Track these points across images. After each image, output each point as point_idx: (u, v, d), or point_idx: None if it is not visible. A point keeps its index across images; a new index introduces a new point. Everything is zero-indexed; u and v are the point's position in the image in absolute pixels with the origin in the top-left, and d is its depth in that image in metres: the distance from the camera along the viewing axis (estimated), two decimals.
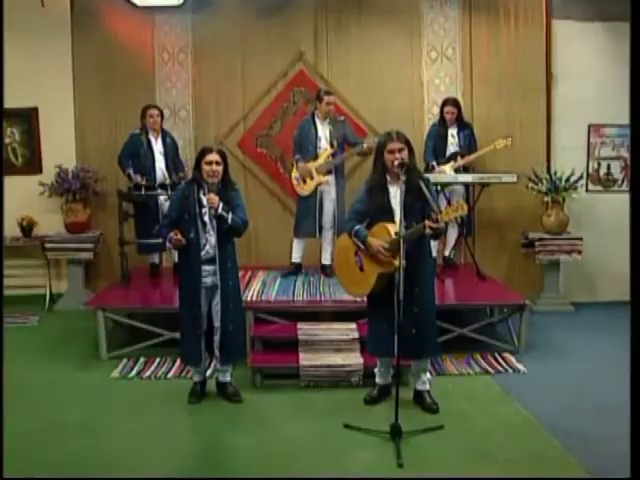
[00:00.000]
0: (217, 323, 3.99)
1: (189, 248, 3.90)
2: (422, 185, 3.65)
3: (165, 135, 5.96)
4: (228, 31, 6.49)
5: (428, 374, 4.09)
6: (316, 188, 5.56)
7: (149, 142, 5.85)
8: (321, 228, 5.63)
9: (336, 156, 5.53)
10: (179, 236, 3.84)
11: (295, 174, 5.62)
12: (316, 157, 5.54)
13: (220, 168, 3.88)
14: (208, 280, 3.95)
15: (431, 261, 4.04)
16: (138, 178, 5.63)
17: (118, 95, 6.53)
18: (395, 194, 3.77)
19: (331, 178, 5.57)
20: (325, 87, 5.80)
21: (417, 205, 3.71)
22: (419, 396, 4.04)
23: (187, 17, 6.51)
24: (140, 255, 6.03)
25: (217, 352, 4.02)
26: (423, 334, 3.88)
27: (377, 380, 4.16)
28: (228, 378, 4.17)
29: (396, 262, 3.63)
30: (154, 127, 5.85)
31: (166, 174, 5.83)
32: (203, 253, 3.92)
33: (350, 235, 3.88)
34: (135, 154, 5.81)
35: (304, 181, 5.58)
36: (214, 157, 3.86)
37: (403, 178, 3.68)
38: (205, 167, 3.85)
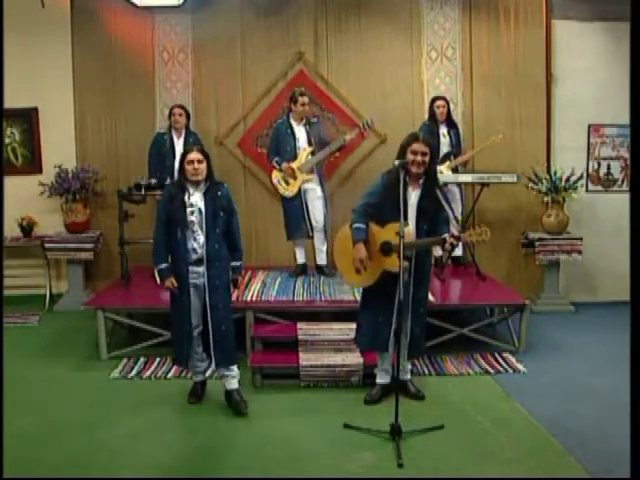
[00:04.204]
0: (209, 324, 3.92)
1: (176, 250, 3.86)
2: (439, 193, 3.76)
3: (189, 134, 5.99)
4: (228, 31, 6.49)
5: (409, 364, 4.18)
6: (299, 188, 5.58)
7: (172, 141, 5.90)
8: (312, 228, 5.65)
9: (316, 154, 5.54)
10: (171, 283, 3.88)
11: (278, 177, 5.63)
12: (295, 158, 5.56)
13: (202, 166, 3.82)
14: (199, 281, 3.90)
15: (430, 263, 4.11)
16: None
17: (118, 95, 6.54)
18: (411, 195, 3.82)
19: (314, 177, 5.60)
20: (299, 89, 5.77)
21: (430, 211, 3.79)
22: (403, 386, 4.08)
23: (187, 17, 6.51)
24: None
25: (212, 354, 3.95)
26: (421, 333, 4.02)
27: (378, 380, 4.17)
28: (235, 385, 4.03)
29: (403, 263, 3.66)
30: (176, 126, 5.91)
31: None
32: (192, 255, 3.86)
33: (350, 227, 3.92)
34: (158, 153, 5.91)
35: (287, 182, 5.60)
36: (195, 156, 3.81)
37: (422, 183, 3.79)
38: (187, 167, 3.82)
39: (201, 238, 3.86)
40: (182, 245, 3.84)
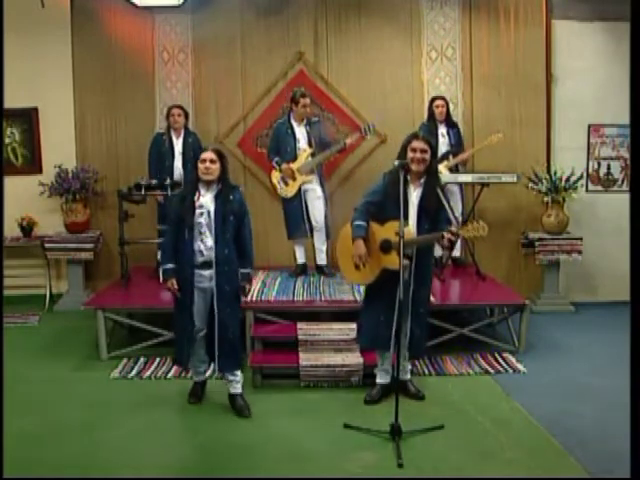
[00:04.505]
0: (215, 329, 3.84)
1: (182, 251, 3.79)
2: (440, 193, 3.77)
3: (188, 134, 6.01)
4: (228, 31, 6.49)
5: (409, 364, 4.20)
6: (299, 188, 5.59)
7: (170, 141, 5.93)
8: (312, 228, 5.65)
9: (316, 156, 5.55)
10: (173, 285, 3.82)
11: (277, 177, 5.64)
12: (295, 158, 5.56)
13: (215, 167, 3.74)
14: (205, 285, 3.82)
15: (432, 264, 4.13)
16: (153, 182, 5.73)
17: (118, 95, 6.54)
18: (412, 194, 3.85)
19: (314, 177, 5.61)
20: (300, 90, 5.76)
21: (432, 209, 3.81)
22: (403, 386, 4.09)
23: (187, 17, 6.52)
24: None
25: (216, 359, 3.87)
26: (422, 334, 4.02)
27: (378, 380, 4.18)
28: (239, 390, 3.99)
29: (404, 261, 3.68)
30: (175, 126, 5.93)
31: (182, 173, 5.88)
32: (198, 257, 3.78)
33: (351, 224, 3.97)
34: (157, 153, 5.93)
35: (286, 183, 5.60)
36: (208, 155, 3.74)
37: (423, 182, 3.83)
38: (199, 165, 3.75)
39: (209, 241, 3.77)
40: (189, 246, 3.77)
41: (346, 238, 4.02)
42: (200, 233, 3.77)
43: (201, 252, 3.79)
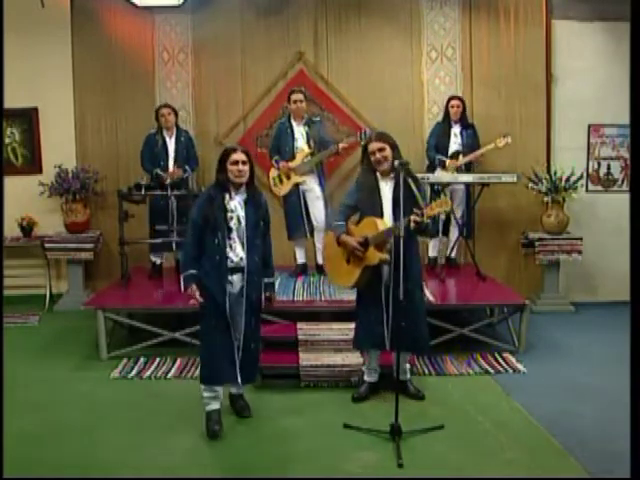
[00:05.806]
0: (239, 339, 3.71)
1: (214, 255, 3.59)
2: (410, 181, 3.76)
3: (180, 133, 6.01)
4: (228, 31, 6.50)
5: (407, 364, 4.21)
6: (298, 188, 5.59)
7: (164, 141, 5.93)
8: (312, 228, 5.66)
9: (314, 157, 5.56)
10: (194, 292, 3.61)
11: (274, 174, 5.67)
12: (293, 158, 5.58)
13: (246, 168, 3.61)
14: (229, 289, 3.64)
15: (418, 257, 4.07)
16: (162, 175, 5.76)
17: (118, 95, 6.54)
18: (384, 188, 3.91)
19: (313, 178, 5.61)
20: (297, 87, 5.80)
21: (407, 201, 3.72)
22: (403, 386, 4.09)
23: (187, 17, 6.52)
24: (153, 253, 6.09)
25: (238, 372, 3.72)
26: (414, 328, 3.90)
27: (366, 378, 4.21)
28: (240, 390, 3.96)
29: (381, 255, 3.75)
30: (167, 126, 5.93)
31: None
32: (227, 262, 3.61)
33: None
34: (150, 153, 5.92)
35: (280, 181, 5.61)
36: (240, 156, 3.60)
37: (394, 176, 3.86)
38: (231, 167, 3.58)
39: (238, 248, 3.62)
40: (221, 250, 3.58)
41: (331, 244, 4.06)
42: (230, 239, 3.63)
43: (230, 259, 3.62)
